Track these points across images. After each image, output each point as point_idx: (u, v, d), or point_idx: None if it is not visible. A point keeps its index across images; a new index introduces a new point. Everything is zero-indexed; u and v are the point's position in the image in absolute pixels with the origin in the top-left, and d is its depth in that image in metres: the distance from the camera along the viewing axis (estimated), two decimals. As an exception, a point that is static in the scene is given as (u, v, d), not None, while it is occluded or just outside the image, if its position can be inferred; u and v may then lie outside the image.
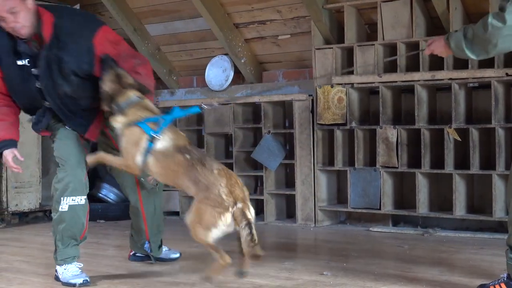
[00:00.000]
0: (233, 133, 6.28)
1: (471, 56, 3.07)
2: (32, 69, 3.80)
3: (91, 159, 3.87)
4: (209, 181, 3.44)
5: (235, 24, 6.39)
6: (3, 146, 3.95)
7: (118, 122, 3.67)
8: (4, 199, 6.23)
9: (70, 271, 3.88)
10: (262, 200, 6.15)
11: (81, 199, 3.92)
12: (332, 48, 5.80)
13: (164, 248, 4.51)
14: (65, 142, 3.96)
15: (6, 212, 6.25)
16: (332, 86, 5.72)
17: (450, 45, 3.12)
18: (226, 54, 6.63)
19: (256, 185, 6.42)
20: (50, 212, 6.62)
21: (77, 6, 6.51)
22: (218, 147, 6.53)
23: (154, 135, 3.57)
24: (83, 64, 3.78)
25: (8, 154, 3.95)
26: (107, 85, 3.68)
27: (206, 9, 6.17)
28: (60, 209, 3.90)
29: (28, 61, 3.80)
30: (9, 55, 3.82)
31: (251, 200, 6.25)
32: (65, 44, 3.75)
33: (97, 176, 6.62)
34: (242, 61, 6.49)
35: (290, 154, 6.09)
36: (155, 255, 4.41)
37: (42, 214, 6.68)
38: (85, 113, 3.94)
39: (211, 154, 6.44)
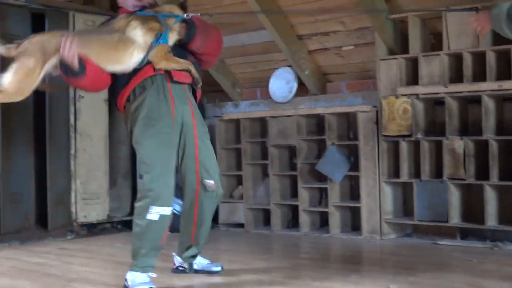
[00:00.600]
0: (297, 145, 6.28)
1: (509, 34, 2.94)
2: None
3: None
4: None
5: (298, 36, 6.40)
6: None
7: None
8: (73, 210, 6.35)
9: (140, 278, 3.95)
10: (327, 212, 6.13)
11: (169, 211, 4.01)
12: (396, 58, 5.76)
13: (206, 261, 4.49)
14: (152, 141, 4.06)
15: (75, 224, 6.38)
16: (397, 97, 5.67)
17: (491, 13, 2.99)
18: (289, 66, 6.64)
19: (320, 197, 6.40)
20: (118, 224, 6.78)
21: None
22: (282, 159, 6.54)
23: None
24: None
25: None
26: None
27: (270, 21, 6.19)
28: (148, 218, 3.96)
29: None
30: None
31: (315, 212, 6.30)
32: None
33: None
34: (306, 72, 6.49)
35: (354, 165, 6.05)
36: (189, 261, 4.43)
37: (109, 225, 6.79)
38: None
39: (275, 166, 6.45)
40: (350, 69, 6.40)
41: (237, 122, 6.81)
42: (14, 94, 3.81)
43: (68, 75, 3.93)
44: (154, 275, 4.01)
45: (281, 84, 6.73)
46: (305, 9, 6.03)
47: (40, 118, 6.13)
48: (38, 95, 6.03)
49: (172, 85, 4.18)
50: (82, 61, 3.90)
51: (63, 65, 3.89)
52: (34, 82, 3.84)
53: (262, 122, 6.73)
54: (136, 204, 4.05)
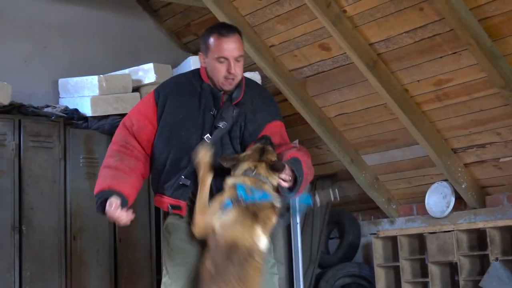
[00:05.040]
0: (458, 261, 6.06)
1: None
2: (217, 121, 3.32)
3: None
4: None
5: (453, 149, 6.30)
6: (109, 194, 3.20)
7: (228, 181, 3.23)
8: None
9: None
10: (495, 332, 5.81)
11: None
12: (560, 168, 5.53)
13: None
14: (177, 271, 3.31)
15: None
16: None
17: None
18: (445, 180, 6.51)
19: (487, 316, 6.09)
20: None
21: (296, 142, 6.77)
22: (443, 276, 6.31)
23: (240, 198, 3.07)
24: (253, 138, 3.38)
25: (113, 200, 3.19)
26: (249, 150, 3.28)
27: (423, 136, 6.15)
28: None
29: (215, 112, 3.36)
30: (188, 97, 3.38)
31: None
32: (248, 114, 3.40)
33: None
34: (463, 186, 6.34)
35: (521, 282, 5.74)
36: None
37: None
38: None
39: (436, 284, 6.23)
40: (510, 180, 6.19)
41: (394, 239, 6.68)
42: None
43: None
44: None
45: (438, 199, 6.60)
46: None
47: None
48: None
49: None
50: None
51: None
52: None
53: (420, 239, 6.57)
54: None
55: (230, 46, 3.31)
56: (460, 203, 6.51)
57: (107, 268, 5.71)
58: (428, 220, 6.68)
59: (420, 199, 6.81)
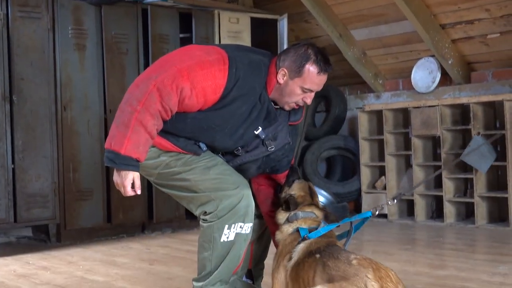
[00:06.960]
0: (441, 135, 6.21)
1: None
2: (267, 140, 3.18)
3: None
4: (347, 273, 2.77)
5: (441, 25, 6.32)
6: (134, 165, 3.00)
7: (284, 229, 3.18)
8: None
9: None
10: (473, 203, 6.03)
11: (249, 228, 3.18)
12: (545, 45, 5.58)
13: None
14: (227, 167, 3.21)
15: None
16: (546, 85, 5.50)
17: None
18: (432, 56, 6.57)
19: (466, 188, 6.30)
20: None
21: (285, 16, 6.75)
22: (425, 149, 6.48)
23: (306, 236, 3.05)
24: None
25: (131, 178, 3.02)
26: (297, 191, 3.25)
27: (412, 11, 6.15)
28: (222, 240, 3.14)
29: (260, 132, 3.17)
30: (244, 102, 3.09)
31: (461, 203, 6.21)
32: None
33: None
34: (449, 62, 6.40)
35: (501, 156, 5.91)
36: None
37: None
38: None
39: (418, 157, 6.41)
40: (496, 57, 6.25)
41: (379, 113, 6.81)
42: None
43: None
44: None
45: (424, 74, 6.67)
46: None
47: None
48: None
49: None
50: None
51: None
52: None
53: (405, 113, 6.70)
54: None
55: (322, 82, 3.13)
56: (445, 79, 6.60)
57: (97, 138, 5.81)
58: (413, 95, 6.79)
59: (406, 75, 6.89)
